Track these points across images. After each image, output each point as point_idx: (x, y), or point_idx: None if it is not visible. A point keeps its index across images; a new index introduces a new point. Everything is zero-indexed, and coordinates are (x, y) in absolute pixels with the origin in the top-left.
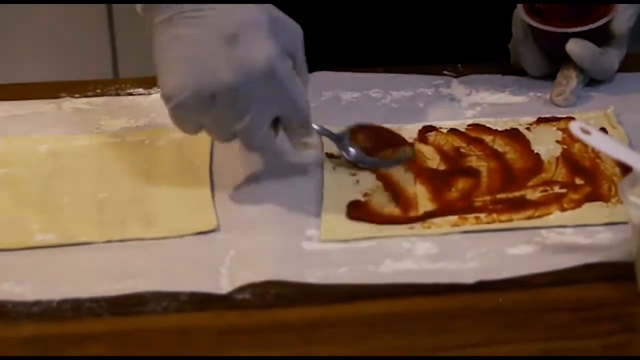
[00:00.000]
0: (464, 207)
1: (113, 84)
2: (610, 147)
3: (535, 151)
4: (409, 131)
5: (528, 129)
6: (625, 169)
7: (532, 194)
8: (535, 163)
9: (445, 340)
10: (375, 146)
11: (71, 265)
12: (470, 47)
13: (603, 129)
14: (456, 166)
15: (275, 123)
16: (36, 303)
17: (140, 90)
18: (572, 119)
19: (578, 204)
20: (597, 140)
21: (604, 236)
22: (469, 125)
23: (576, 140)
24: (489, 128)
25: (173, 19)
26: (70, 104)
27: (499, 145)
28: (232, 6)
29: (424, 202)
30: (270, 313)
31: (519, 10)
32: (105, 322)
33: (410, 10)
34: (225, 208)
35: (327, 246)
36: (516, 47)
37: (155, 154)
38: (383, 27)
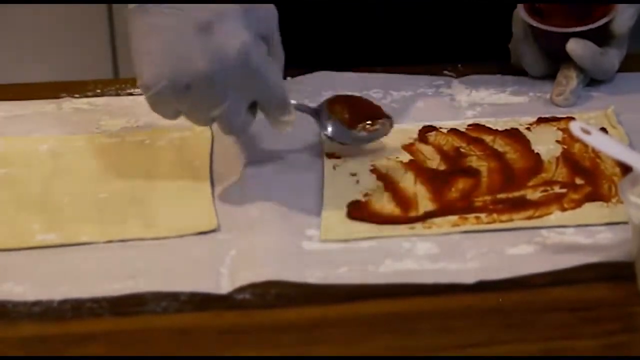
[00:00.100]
0: (464, 207)
1: (113, 84)
2: (610, 147)
3: (536, 151)
4: (409, 131)
5: (528, 129)
6: (626, 169)
7: (533, 194)
8: (536, 163)
9: (445, 340)
10: (354, 117)
11: (71, 265)
12: (470, 47)
13: (603, 129)
14: (456, 166)
15: (254, 106)
16: (37, 303)
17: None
18: (572, 119)
19: (578, 204)
20: (597, 140)
21: (604, 236)
22: (469, 125)
23: (576, 140)
24: (489, 128)
25: (148, 7)
26: (70, 104)
27: (499, 145)
28: None
29: (424, 202)
30: (271, 313)
31: (519, 10)
32: (106, 322)
33: (410, 10)
34: (225, 208)
35: (327, 246)
36: (516, 47)
37: (155, 154)
38: (383, 27)
